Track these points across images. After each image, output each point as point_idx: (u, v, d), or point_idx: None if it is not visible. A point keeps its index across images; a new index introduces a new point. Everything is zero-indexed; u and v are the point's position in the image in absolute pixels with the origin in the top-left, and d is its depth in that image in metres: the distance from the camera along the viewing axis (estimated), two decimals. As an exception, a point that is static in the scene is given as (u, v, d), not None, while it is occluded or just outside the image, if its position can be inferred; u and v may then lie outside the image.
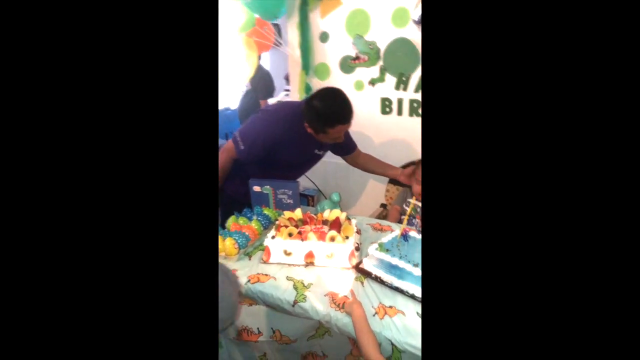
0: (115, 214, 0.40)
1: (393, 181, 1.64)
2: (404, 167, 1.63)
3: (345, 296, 0.88)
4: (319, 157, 1.46)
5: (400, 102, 1.67)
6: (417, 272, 0.88)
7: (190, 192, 0.43)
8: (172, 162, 0.42)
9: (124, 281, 0.40)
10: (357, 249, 1.08)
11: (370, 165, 1.54)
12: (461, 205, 0.41)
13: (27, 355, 0.37)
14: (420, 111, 1.64)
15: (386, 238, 1.05)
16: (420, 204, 1.47)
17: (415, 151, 1.67)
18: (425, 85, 0.45)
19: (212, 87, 0.44)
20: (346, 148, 1.49)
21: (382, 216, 1.60)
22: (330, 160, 1.99)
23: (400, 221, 1.43)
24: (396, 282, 0.91)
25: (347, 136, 1.46)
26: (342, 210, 1.18)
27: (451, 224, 0.42)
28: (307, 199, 1.95)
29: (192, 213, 0.43)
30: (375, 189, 1.80)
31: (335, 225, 1.08)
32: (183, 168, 0.42)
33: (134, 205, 0.41)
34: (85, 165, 0.39)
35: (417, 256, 0.95)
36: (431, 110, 0.43)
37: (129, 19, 0.40)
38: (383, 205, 1.67)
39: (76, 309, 0.38)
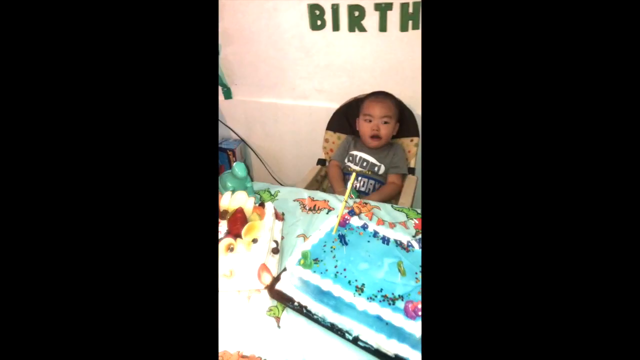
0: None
1: (332, 126, 1.23)
2: (347, 104, 1.21)
3: (244, 358, 0.53)
4: None
5: (335, 10, 1.17)
6: (361, 303, 0.54)
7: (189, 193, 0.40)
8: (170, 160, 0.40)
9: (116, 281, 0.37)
10: (276, 250, 0.71)
11: None
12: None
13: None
14: (363, 24, 1.16)
15: (316, 236, 0.68)
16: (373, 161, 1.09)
17: (359, 81, 1.24)
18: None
19: (212, 86, 0.42)
20: None
21: (320, 178, 1.21)
22: (253, 99, 1.51)
23: (342, 189, 1.06)
24: (330, 316, 0.57)
25: None
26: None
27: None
28: (227, 154, 1.50)
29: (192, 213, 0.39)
30: (313, 136, 1.37)
31: (236, 222, 0.68)
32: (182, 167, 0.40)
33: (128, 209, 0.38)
34: (83, 162, 0.37)
35: (362, 268, 0.61)
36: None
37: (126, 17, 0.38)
38: (321, 162, 1.26)
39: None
